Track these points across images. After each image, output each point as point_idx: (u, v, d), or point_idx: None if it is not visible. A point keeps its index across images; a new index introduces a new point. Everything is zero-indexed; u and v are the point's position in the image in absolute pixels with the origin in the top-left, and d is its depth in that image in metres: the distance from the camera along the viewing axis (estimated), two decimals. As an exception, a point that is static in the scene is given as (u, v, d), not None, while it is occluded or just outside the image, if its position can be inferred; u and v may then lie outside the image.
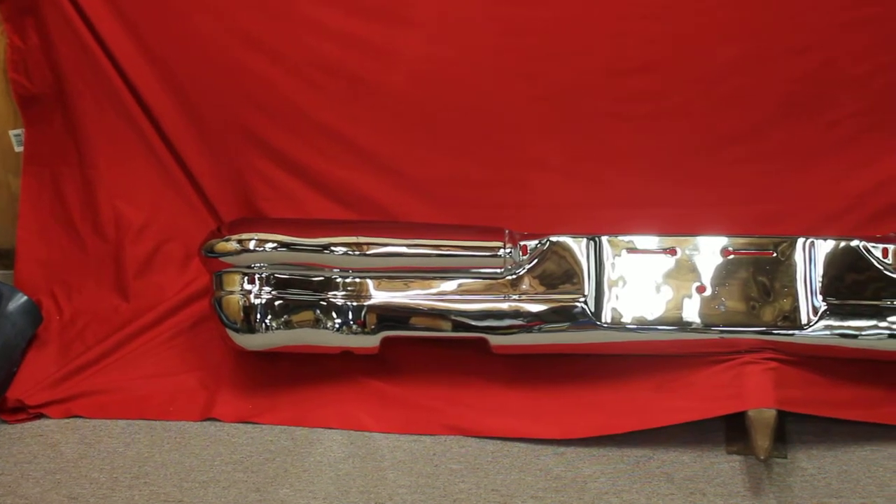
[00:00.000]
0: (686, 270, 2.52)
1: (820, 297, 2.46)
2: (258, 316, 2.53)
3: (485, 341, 2.52)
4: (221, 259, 2.55)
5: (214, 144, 2.84)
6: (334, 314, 2.53)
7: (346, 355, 2.59)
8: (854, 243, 2.47)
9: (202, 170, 2.86)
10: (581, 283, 2.51)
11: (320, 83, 2.75)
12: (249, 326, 2.53)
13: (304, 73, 2.75)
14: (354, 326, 2.53)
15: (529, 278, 2.53)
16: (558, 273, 2.52)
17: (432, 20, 2.69)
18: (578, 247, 2.53)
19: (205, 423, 2.56)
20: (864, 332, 2.43)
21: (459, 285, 2.54)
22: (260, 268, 2.54)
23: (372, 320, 2.52)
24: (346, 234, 2.55)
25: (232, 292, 2.54)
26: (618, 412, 2.47)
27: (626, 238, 2.54)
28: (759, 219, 2.67)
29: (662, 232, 2.56)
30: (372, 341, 2.54)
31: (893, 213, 2.64)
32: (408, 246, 2.54)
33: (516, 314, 2.50)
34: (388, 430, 2.51)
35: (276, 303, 2.53)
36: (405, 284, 2.54)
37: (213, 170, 2.85)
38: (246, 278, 2.54)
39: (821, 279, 2.47)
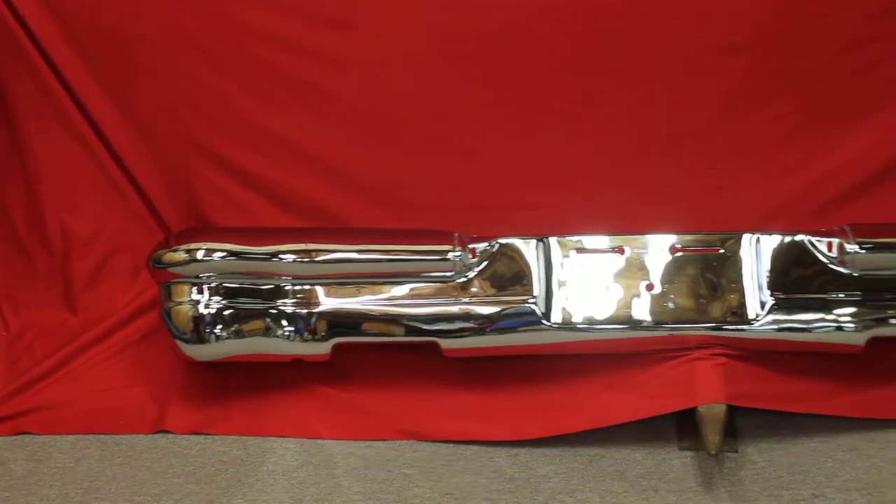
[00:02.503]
0: (635, 269, 2.53)
1: (767, 292, 2.48)
2: (208, 326, 2.51)
3: (436, 345, 2.52)
4: (170, 270, 2.53)
5: (162, 155, 2.81)
6: (284, 322, 2.52)
7: (298, 363, 2.57)
8: (799, 238, 2.49)
9: (149, 181, 2.83)
10: (530, 284, 2.51)
11: (268, 91, 2.74)
12: (199, 337, 2.52)
13: (252, 81, 2.74)
14: (305, 334, 2.52)
15: (479, 281, 2.53)
16: (508, 275, 2.53)
17: (381, 25, 2.68)
18: (527, 248, 2.53)
19: (156, 436, 2.54)
20: (811, 326, 2.46)
21: (410, 290, 2.53)
22: (209, 277, 2.52)
23: (322, 327, 2.51)
24: (295, 242, 2.54)
25: (181, 303, 2.52)
26: (570, 412, 2.48)
27: (575, 238, 2.54)
28: (707, 216, 2.68)
29: (612, 231, 2.57)
30: (323, 348, 2.53)
31: (837, 206, 2.66)
32: (357, 252, 2.54)
33: (467, 317, 2.50)
34: (341, 436, 2.51)
35: (226, 312, 2.52)
36: (356, 290, 2.54)
37: (160, 180, 2.83)
38: (195, 288, 2.53)
39: (767, 274, 2.49)
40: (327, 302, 2.52)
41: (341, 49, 2.68)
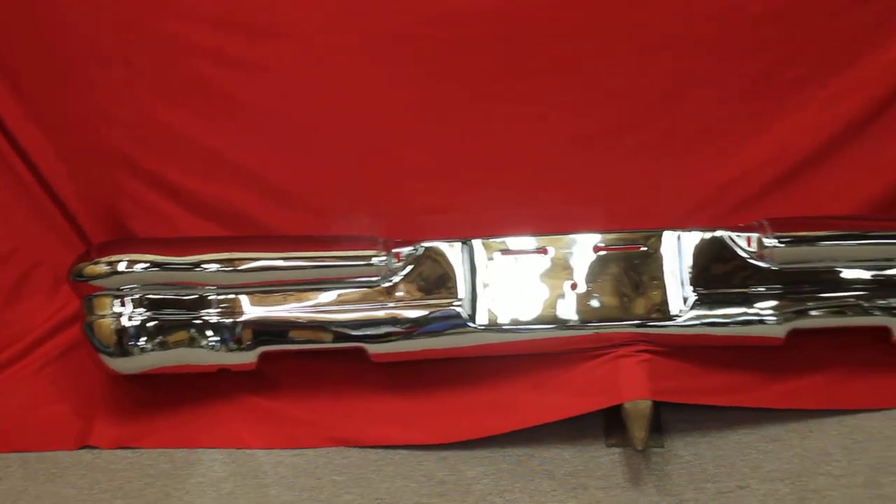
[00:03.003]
0: (559, 269, 2.55)
1: (689, 288, 2.50)
2: (131, 339, 2.48)
3: (363, 350, 2.51)
4: (91, 283, 2.50)
5: (82, 167, 2.77)
6: (209, 332, 2.50)
7: (224, 373, 2.55)
8: (719, 233, 2.53)
9: (69, 193, 2.79)
10: (455, 287, 2.52)
11: (189, 101, 2.71)
12: (123, 350, 2.49)
13: (173, 91, 2.71)
14: (230, 343, 2.50)
15: (405, 285, 2.53)
16: (433, 278, 2.53)
17: (301, 33, 2.67)
18: (452, 251, 2.54)
19: (81, 452, 2.50)
20: (732, 320, 2.49)
21: (335, 296, 2.53)
22: (131, 289, 2.50)
23: (247, 336, 2.50)
24: (218, 251, 2.53)
25: (103, 316, 2.49)
26: (498, 413, 2.49)
27: (499, 240, 2.55)
28: (628, 214, 2.71)
29: (535, 232, 2.58)
30: (248, 357, 2.51)
31: (757, 201, 2.70)
32: (280, 259, 2.52)
33: (393, 321, 2.50)
34: (269, 445, 2.49)
35: (150, 324, 2.49)
36: (281, 298, 2.52)
37: (81, 193, 2.79)
38: (117, 301, 2.50)
39: (689, 270, 2.52)
40: (252, 311, 2.51)
41: (262, 57, 2.67)
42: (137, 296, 2.50)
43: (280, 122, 2.72)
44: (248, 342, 2.50)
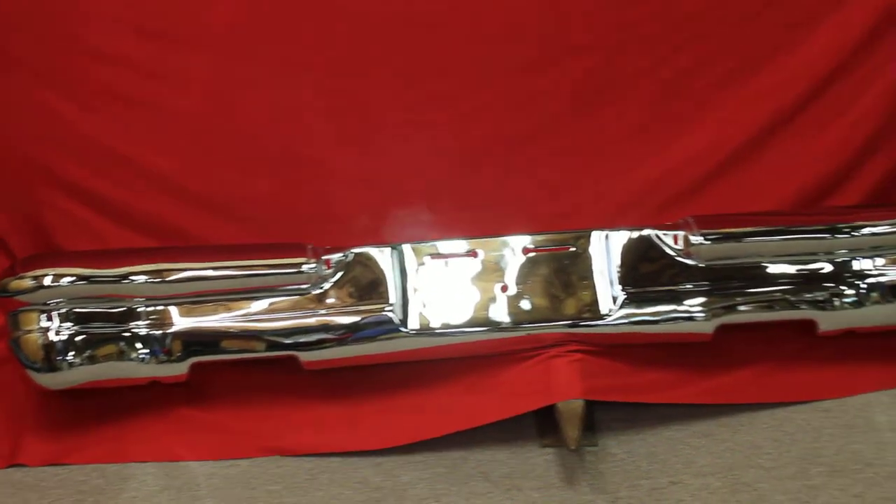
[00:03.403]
0: (489, 271, 2.55)
1: (618, 287, 2.52)
2: (59, 353, 2.45)
3: (295, 359, 2.50)
4: (16, 298, 2.46)
5: (3, 180, 2.73)
6: (139, 345, 2.47)
7: (156, 385, 2.53)
8: (646, 232, 2.55)
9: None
10: (386, 292, 2.52)
11: (112, 111, 2.68)
12: (51, 365, 2.45)
13: (95, 102, 2.67)
14: (160, 355, 2.48)
15: (335, 291, 2.52)
16: (363, 284, 2.53)
17: (221, 41, 2.65)
18: (382, 256, 2.54)
19: (9, 470, 2.47)
20: (662, 317, 2.51)
21: (265, 304, 2.51)
22: (58, 304, 2.47)
23: (178, 348, 2.47)
24: (145, 262, 2.50)
25: (30, 331, 2.46)
26: (433, 417, 2.49)
27: (428, 244, 2.56)
28: (557, 215, 2.72)
29: (465, 235, 2.59)
30: (179, 369, 2.49)
31: (682, 199, 2.73)
32: (209, 269, 2.50)
33: (325, 328, 2.49)
34: (202, 457, 2.48)
35: (78, 338, 2.46)
36: (212, 308, 2.51)
37: (3, 206, 2.74)
38: (44, 315, 2.46)
39: (618, 269, 2.54)
40: (182, 322, 2.49)
41: (182, 66, 2.65)
42: (64, 310, 2.47)
43: (207, 131, 2.69)
44: (179, 353, 2.48)
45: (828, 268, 2.56)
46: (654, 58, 2.71)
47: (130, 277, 2.47)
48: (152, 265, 2.49)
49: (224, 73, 2.65)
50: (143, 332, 2.47)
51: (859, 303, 2.55)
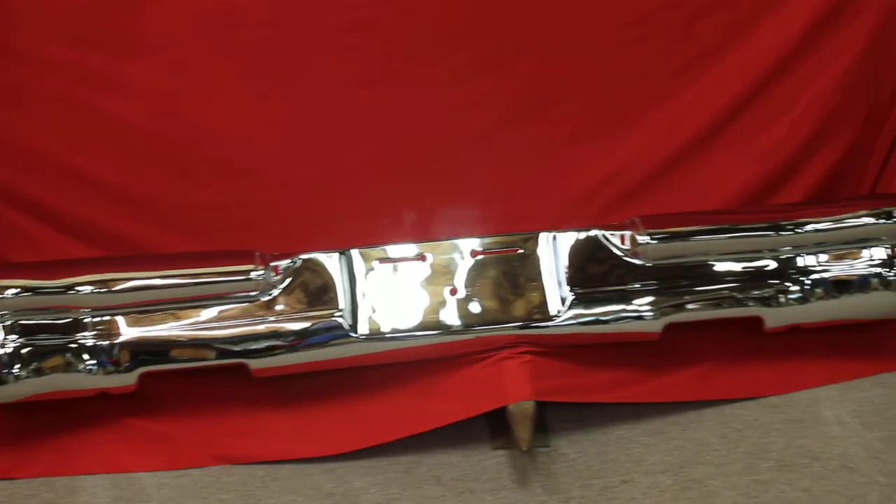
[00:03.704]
0: (438, 275, 2.56)
1: (567, 288, 2.54)
2: (5, 367, 2.42)
3: (245, 366, 2.49)
4: (-41, 311, 2.43)
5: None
6: (86, 356, 2.45)
7: (104, 396, 2.50)
8: (593, 233, 2.57)
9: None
10: (336, 297, 2.51)
11: (54, 121, 2.65)
12: (-3, 378, 2.43)
13: (37, 112, 2.65)
14: (108, 366, 2.45)
15: (284, 298, 2.51)
16: (312, 290, 2.52)
17: (163, 49, 2.63)
18: (330, 262, 2.53)
19: (-43, 486, 2.44)
20: (611, 317, 2.53)
21: (214, 312, 2.50)
22: (2, 316, 2.44)
23: (125, 357, 2.45)
24: (90, 273, 2.48)
25: (-26, 345, 2.43)
26: (384, 421, 2.49)
27: (377, 248, 2.55)
28: (505, 217, 2.73)
29: (413, 239, 2.59)
30: (128, 379, 2.47)
31: (628, 199, 2.75)
32: (156, 278, 2.49)
33: (274, 335, 2.48)
34: (153, 468, 2.46)
35: (24, 351, 2.43)
36: (158, 317, 2.49)
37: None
38: (-11, 329, 2.44)
39: (566, 270, 2.55)
40: (129, 331, 2.47)
41: (124, 74, 2.63)
42: (9, 322, 2.44)
43: (151, 140, 2.67)
44: (127, 364, 2.46)
45: (773, 265, 2.59)
46: (603, 59, 2.73)
47: (76, 288, 2.45)
48: (98, 275, 2.46)
49: (165, 81, 2.64)
50: (89, 343, 2.45)
51: (804, 299, 2.58)
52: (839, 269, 2.60)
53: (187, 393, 2.57)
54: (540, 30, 2.69)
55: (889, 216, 2.61)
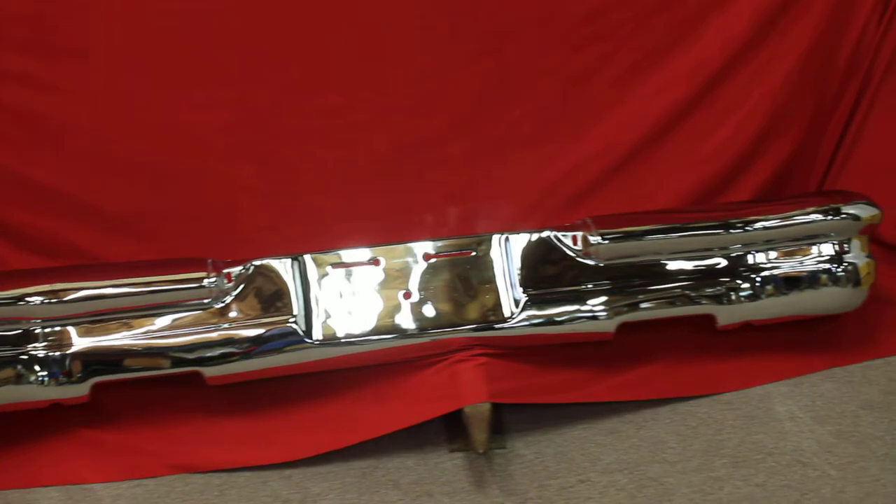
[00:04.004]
0: (392, 279, 2.56)
1: (520, 290, 2.54)
2: (-46, 380, 2.39)
3: (199, 374, 2.47)
4: None
5: None
6: (37, 367, 2.42)
7: (57, 408, 2.48)
8: (545, 234, 2.58)
9: None
10: (289, 303, 2.50)
11: (3, 127, 2.62)
12: (-54, 392, 2.40)
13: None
14: (60, 377, 2.43)
15: (238, 304, 2.50)
16: (266, 296, 2.51)
17: (114, 54, 2.60)
18: (283, 267, 2.52)
19: None
20: (565, 318, 2.54)
21: (167, 321, 2.48)
22: (-50, 330, 2.41)
23: (77, 368, 2.43)
24: (40, 283, 2.44)
25: (-77, 358, 2.40)
26: (340, 427, 2.48)
27: (330, 253, 2.55)
28: (459, 220, 2.74)
29: (368, 243, 2.59)
30: (80, 390, 2.44)
31: (580, 200, 2.77)
32: (107, 287, 2.46)
33: (228, 342, 2.47)
34: (107, 479, 2.43)
35: (-28, 364, 2.41)
36: (110, 326, 2.46)
37: None
38: (-63, 342, 2.40)
39: (519, 272, 2.56)
40: (81, 342, 2.44)
41: (75, 80, 2.59)
42: (-42, 335, 2.41)
43: (97, 145, 2.63)
44: (79, 374, 2.43)
45: (723, 263, 2.61)
46: (553, 60, 2.74)
47: (26, 299, 2.42)
48: (48, 286, 2.43)
49: (119, 87, 2.61)
50: (41, 354, 2.43)
51: (755, 296, 2.61)
52: (789, 266, 2.63)
53: (142, 402, 2.55)
54: (489, 32, 2.69)
55: (837, 212, 2.64)
